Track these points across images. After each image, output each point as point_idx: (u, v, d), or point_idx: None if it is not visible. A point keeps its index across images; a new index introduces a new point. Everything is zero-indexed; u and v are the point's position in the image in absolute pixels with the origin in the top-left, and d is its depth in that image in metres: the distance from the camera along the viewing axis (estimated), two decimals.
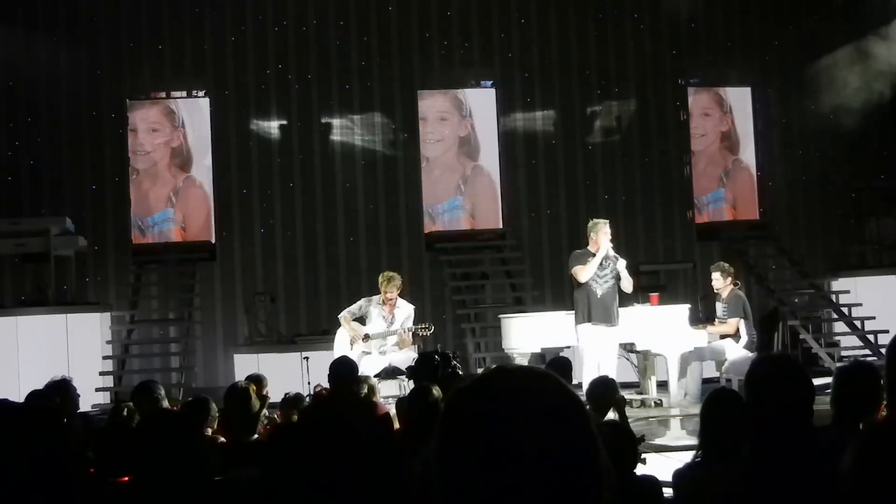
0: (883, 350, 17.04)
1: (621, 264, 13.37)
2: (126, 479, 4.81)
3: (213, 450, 7.15)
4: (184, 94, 19.95)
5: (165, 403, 8.63)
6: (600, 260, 13.27)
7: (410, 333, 13.62)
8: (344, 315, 14.03)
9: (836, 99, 19.89)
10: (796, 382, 4.20)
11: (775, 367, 4.31)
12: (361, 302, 14.09)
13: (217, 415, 8.16)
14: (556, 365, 9.98)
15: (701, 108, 21.15)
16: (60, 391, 8.78)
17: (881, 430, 1.86)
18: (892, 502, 1.78)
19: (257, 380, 10.40)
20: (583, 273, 13.29)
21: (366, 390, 9.82)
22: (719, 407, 5.28)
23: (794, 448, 3.89)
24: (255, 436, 7.57)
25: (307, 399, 10.43)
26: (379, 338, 13.62)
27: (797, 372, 4.34)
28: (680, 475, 5.18)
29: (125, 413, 8.60)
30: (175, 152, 19.80)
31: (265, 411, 9.37)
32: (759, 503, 3.79)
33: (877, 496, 1.80)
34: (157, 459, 4.12)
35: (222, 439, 7.71)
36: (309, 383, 12.91)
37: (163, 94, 19.85)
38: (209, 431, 7.87)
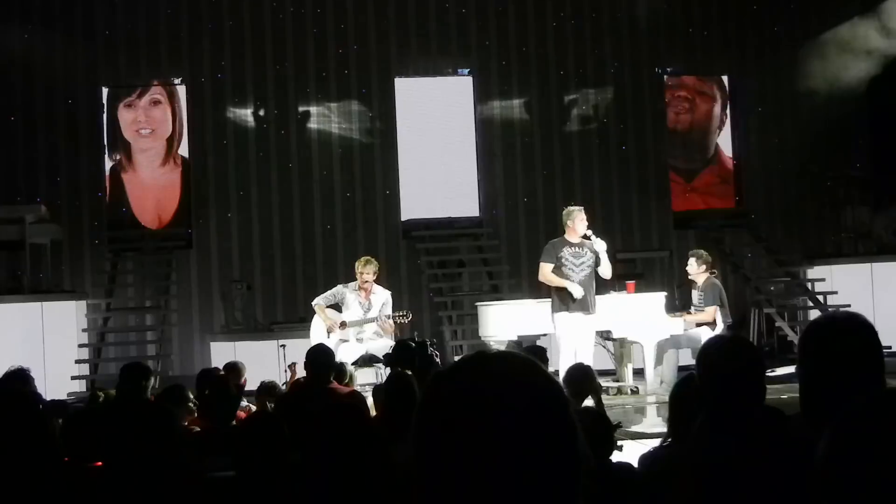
0: None
1: (601, 245, 13.32)
2: (98, 463, 4.79)
3: (187, 439, 7.13)
4: (160, 82, 19.84)
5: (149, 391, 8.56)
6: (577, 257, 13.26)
7: (390, 321, 13.56)
8: (318, 303, 13.91)
9: (812, 88, 19.96)
10: (747, 362, 4.23)
11: (727, 346, 4.34)
12: (337, 288, 14.00)
13: (193, 403, 8.13)
14: (531, 353, 9.98)
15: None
16: (19, 381, 8.48)
17: (853, 415, 1.86)
18: (866, 488, 1.78)
19: (235, 368, 10.37)
20: (545, 276, 13.37)
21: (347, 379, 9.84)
22: (688, 392, 5.29)
23: (743, 426, 3.91)
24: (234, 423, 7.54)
25: (282, 386, 10.41)
26: (356, 325, 13.57)
27: (749, 351, 4.37)
28: (646, 458, 5.20)
29: (101, 400, 8.56)
30: (160, 139, 19.74)
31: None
32: (714, 479, 3.81)
33: (852, 482, 1.80)
34: (131, 449, 4.10)
35: (197, 428, 7.68)
36: (286, 371, 12.83)
37: (138, 82, 19.72)
38: (185, 420, 7.84)
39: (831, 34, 19.65)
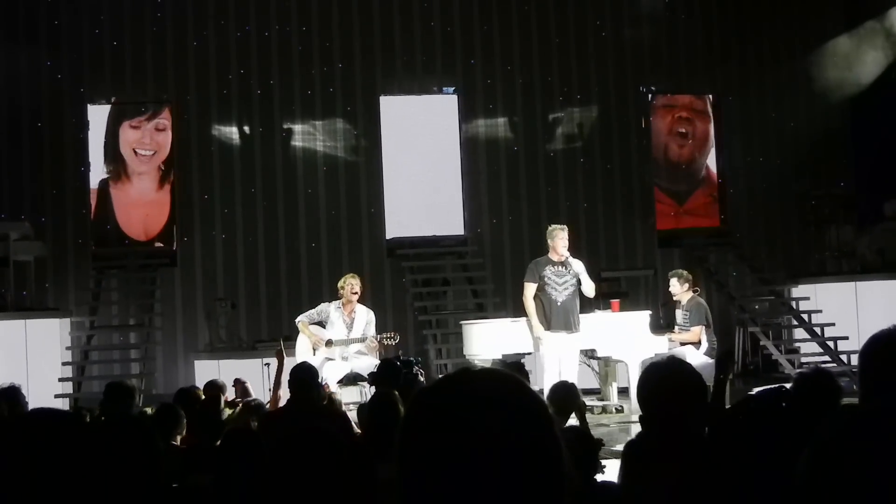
0: (842, 357, 17.18)
1: (579, 265, 13.38)
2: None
3: (170, 455, 7.10)
4: (145, 99, 19.78)
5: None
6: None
7: (377, 342, 13.53)
8: (302, 319, 13.87)
9: (795, 107, 20.03)
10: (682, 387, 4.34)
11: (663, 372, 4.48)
12: (322, 306, 13.95)
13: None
14: (510, 368, 9.96)
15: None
16: (9, 399, 8.29)
17: (835, 425, 1.86)
18: (846, 499, 1.77)
19: (217, 387, 10.33)
20: (526, 299, 13.51)
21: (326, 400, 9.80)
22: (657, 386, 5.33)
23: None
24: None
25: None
26: (342, 344, 13.53)
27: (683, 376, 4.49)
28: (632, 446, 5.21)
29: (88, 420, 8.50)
30: (156, 163, 19.70)
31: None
32: None
33: (830, 498, 1.80)
34: (113, 465, 4.07)
35: (181, 445, 7.66)
36: (269, 390, 12.71)
37: (125, 100, 19.66)
38: (178, 440, 7.82)
39: (812, 55, 19.81)
